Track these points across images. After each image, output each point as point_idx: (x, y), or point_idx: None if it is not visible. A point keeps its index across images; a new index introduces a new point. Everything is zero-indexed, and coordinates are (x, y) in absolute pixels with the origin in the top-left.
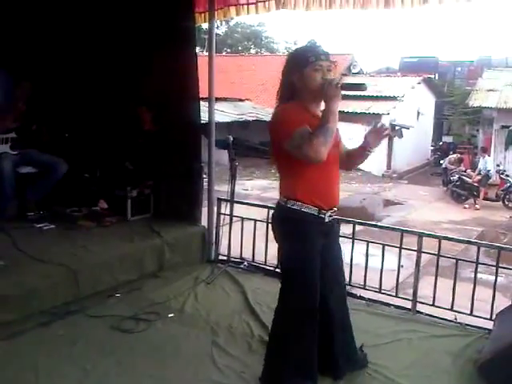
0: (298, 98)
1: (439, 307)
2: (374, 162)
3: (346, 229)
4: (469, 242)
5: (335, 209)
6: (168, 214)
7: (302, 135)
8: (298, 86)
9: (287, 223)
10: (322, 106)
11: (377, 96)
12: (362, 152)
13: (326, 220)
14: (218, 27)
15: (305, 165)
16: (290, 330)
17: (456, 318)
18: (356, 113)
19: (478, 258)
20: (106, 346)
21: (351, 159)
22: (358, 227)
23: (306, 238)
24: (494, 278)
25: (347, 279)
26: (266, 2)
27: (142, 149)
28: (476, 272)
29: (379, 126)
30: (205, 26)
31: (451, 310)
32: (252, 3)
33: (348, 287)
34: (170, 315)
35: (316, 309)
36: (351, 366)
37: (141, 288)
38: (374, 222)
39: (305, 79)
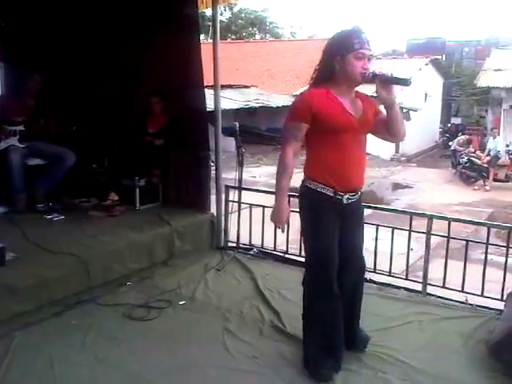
0: (335, 80)
1: (450, 289)
2: (383, 146)
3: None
4: (479, 224)
5: (355, 192)
6: (177, 203)
7: (293, 130)
8: (338, 69)
9: (305, 200)
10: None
11: None
12: (387, 111)
13: (344, 202)
14: (221, 14)
15: (321, 147)
16: (309, 305)
17: (467, 300)
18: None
19: (488, 238)
20: (118, 335)
21: (388, 124)
22: (367, 211)
23: (319, 216)
24: (504, 258)
25: None
26: None
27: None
28: (486, 253)
29: (371, 76)
30: (208, 13)
31: (462, 291)
32: None
33: None
34: (181, 302)
35: (330, 283)
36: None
37: (151, 276)
38: (383, 206)
39: (346, 65)
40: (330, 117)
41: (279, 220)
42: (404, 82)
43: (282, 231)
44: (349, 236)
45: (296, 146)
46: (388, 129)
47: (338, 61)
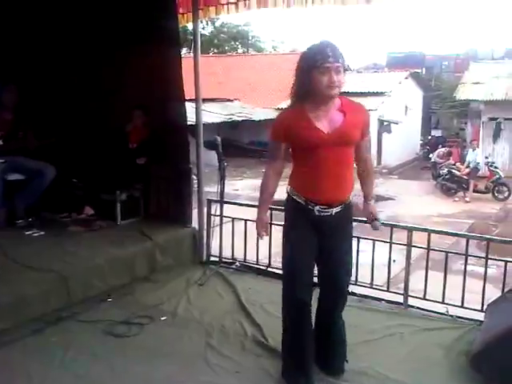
0: (309, 97)
1: (430, 300)
2: None
3: None
4: (457, 235)
5: (328, 206)
6: (158, 217)
7: (272, 150)
8: (308, 86)
9: (285, 206)
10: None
11: (365, 92)
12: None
13: (316, 213)
14: (203, 28)
15: (299, 160)
16: (283, 318)
17: (447, 311)
18: None
19: (467, 250)
20: (98, 352)
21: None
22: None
23: (291, 222)
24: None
25: None
26: (247, 1)
27: (131, 153)
28: (466, 264)
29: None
30: (190, 27)
31: (442, 302)
32: (232, 2)
33: None
34: (162, 318)
35: (295, 297)
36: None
37: (133, 292)
38: (363, 218)
39: (312, 81)
40: (301, 135)
41: (257, 231)
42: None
43: (261, 238)
44: (328, 254)
45: (276, 164)
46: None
47: (306, 79)
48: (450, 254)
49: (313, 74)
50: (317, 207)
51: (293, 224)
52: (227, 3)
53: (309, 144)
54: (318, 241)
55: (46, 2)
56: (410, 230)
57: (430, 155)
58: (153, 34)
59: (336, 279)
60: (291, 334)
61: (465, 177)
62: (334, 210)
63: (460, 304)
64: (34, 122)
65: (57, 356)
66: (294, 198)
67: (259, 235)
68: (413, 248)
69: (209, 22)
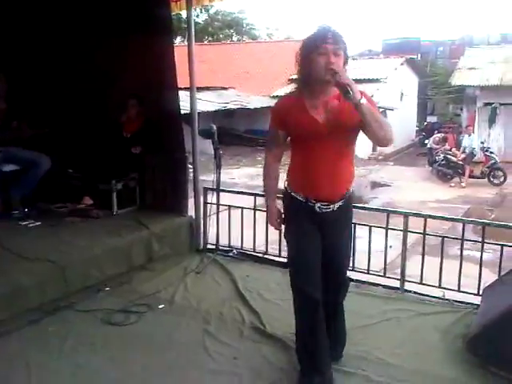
0: (308, 83)
1: (427, 285)
2: (360, 145)
3: None
4: (454, 220)
5: (329, 202)
6: (154, 206)
7: (270, 137)
8: (308, 72)
9: (283, 202)
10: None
11: (360, 79)
12: (356, 110)
13: (317, 210)
14: (197, 16)
15: (295, 152)
16: (294, 310)
17: (444, 295)
18: None
19: (463, 234)
20: (97, 340)
21: (365, 127)
22: None
23: (292, 219)
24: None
25: None
26: None
27: (126, 142)
28: (462, 248)
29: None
30: (184, 15)
31: (439, 287)
32: None
33: None
34: (160, 306)
35: (302, 290)
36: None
37: (130, 281)
38: (360, 205)
39: (311, 65)
40: (296, 124)
41: (270, 223)
42: (346, 96)
43: (277, 229)
44: (331, 245)
45: (276, 151)
46: (366, 133)
47: (306, 62)
48: (446, 239)
49: (312, 57)
50: (318, 204)
51: (295, 223)
52: None
53: (304, 133)
54: (321, 234)
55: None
56: (406, 215)
57: (426, 141)
58: (146, 22)
59: (338, 270)
60: (302, 328)
61: (460, 162)
62: (336, 205)
63: (457, 288)
64: (28, 111)
65: (55, 346)
66: (294, 195)
67: (273, 227)
68: (409, 233)
69: (203, 10)
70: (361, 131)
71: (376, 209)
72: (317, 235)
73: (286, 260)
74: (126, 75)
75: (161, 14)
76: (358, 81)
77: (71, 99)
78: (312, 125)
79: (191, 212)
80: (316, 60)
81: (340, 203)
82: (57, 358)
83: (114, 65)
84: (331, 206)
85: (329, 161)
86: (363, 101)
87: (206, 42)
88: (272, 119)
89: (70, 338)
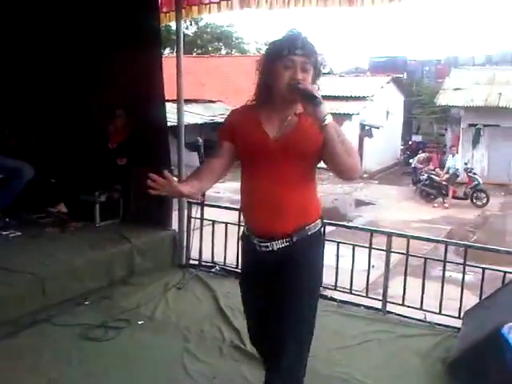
0: (271, 96)
1: (409, 307)
2: None
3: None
4: (436, 241)
5: (271, 239)
6: (138, 219)
7: (215, 148)
8: (269, 84)
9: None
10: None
11: (347, 96)
12: (321, 128)
13: (257, 248)
14: (187, 28)
15: (242, 173)
16: None
17: (425, 318)
18: None
19: (445, 256)
20: (73, 356)
21: (329, 153)
22: (329, 228)
23: (242, 268)
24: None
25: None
26: (229, 1)
27: (111, 153)
28: (444, 270)
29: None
30: (173, 26)
31: (420, 309)
32: (214, 2)
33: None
34: (139, 322)
35: (253, 338)
36: None
37: (110, 295)
38: (344, 223)
39: (273, 77)
40: (244, 136)
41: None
42: (314, 102)
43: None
44: (271, 309)
45: (213, 160)
46: (329, 160)
47: (268, 72)
48: (428, 260)
49: (275, 69)
50: (256, 240)
51: (242, 267)
52: (209, 3)
53: (251, 149)
54: (268, 284)
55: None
56: (390, 235)
57: (411, 160)
58: (134, 33)
59: (278, 348)
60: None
61: (444, 183)
62: (276, 245)
63: (438, 311)
64: (13, 120)
65: (31, 360)
66: (244, 230)
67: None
68: (392, 253)
69: (192, 22)
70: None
71: (360, 228)
72: (263, 288)
73: None
74: (113, 86)
75: (150, 25)
76: (344, 98)
77: (57, 109)
78: (261, 141)
79: (175, 226)
80: (280, 73)
81: (283, 244)
82: (32, 372)
83: (102, 75)
84: (269, 244)
85: (275, 187)
86: (330, 118)
87: (194, 55)
88: (221, 128)
89: (47, 353)
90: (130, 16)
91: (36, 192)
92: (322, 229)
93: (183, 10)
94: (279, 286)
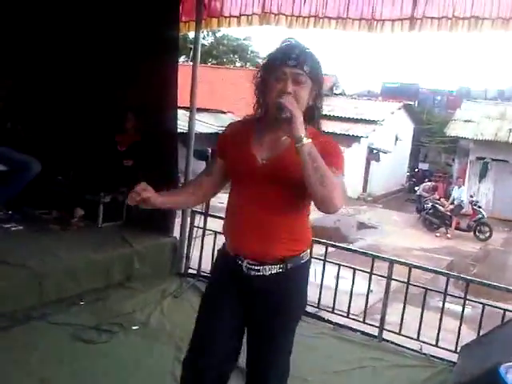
0: (265, 116)
1: (405, 336)
2: (350, 184)
3: (318, 249)
4: (438, 273)
5: (258, 263)
6: (141, 223)
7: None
8: (262, 98)
9: (216, 260)
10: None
11: (357, 118)
12: (298, 153)
13: (245, 271)
14: (204, 38)
15: (230, 191)
16: None
17: (421, 348)
18: (335, 133)
19: (446, 288)
20: (65, 356)
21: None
22: (329, 248)
23: (212, 277)
24: (461, 308)
25: (316, 301)
26: (249, 17)
27: (119, 155)
28: (444, 303)
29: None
30: (191, 35)
31: (417, 339)
32: (235, 16)
33: (315, 310)
34: (134, 328)
35: (198, 350)
36: None
37: (106, 297)
38: (346, 245)
39: (266, 90)
40: (232, 156)
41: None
42: (287, 118)
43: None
44: (250, 344)
45: (203, 176)
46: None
47: (262, 88)
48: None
49: (267, 80)
50: (245, 262)
51: (213, 283)
52: (230, 16)
53: (238, 170)
54: (244, 315)
55: (49, 3)
56: (392, 262)
57: (416, 188)
58: (153, 39)
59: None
60: None
61: (448, 213)
62: (269, 270)
63: (434, 342)
64: (24, 116)
65: (22, 356)
66: (224, 245)
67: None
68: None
69: (210, 33)
70: None
71: (362, 252)
72: (235, 313)
73: None
74: (127, 89)
75: (169, 32)
76: (354, 120)
77: (70, 107)
78: (247, 163)
79: (176, 233)
80: (271, 86)
81: (276, 269)
82: (22, 369)
83: (117, 78)
84: (260, 268)
85: (260, 212)
86: (306, 141)
87: (209, 64)
88: (216, 143)
89: (38, 351)
90: (151, 22)
91: (41, 188)
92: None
93: (203, 21)
94: (263, 313)
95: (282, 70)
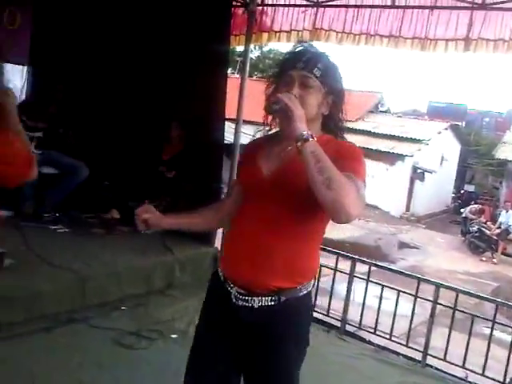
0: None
1: (450, 363)
2: (393, 202)
3: (360, 267)
4: (488, 300)
5: (250, 292)
6: (183, 231)
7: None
8: None
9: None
10: None
11: (402, 137)
12: (300, 154)
13: (233, 299)
14: (251, 51)
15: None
16: None
17: (467, 377)
18: (379, 151)
19: (495, 316)
20: (104, 360)
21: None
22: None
23: (202, 308)
24: (506, 335)
25: (358, 320)
26: (299, 32)
27: (163, 164)
28: (492, 331)
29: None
30: (238, 48)
31: (462, 367)
32: (285, 31)
33: (355, 329)
34: (173, 336)
35: None
36: None
37: (146, 304)
38: (389, 266)
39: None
40: (243, 172)
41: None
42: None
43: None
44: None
45: (225, 200)
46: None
47: (272, 95)
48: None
49: (276, 87)
50: (234, 290)
51: (204, 311)
52: (280, 31)
53: (244, 186)
54: (239, 359)
55: (108, 9)
56: (438, 286)
57: (462, 210)
58: (204, 52)
59: None
60: None
61: (495, 237)
62: (258, 302)
63: (481, 371)
64: (76, 121)
65: (62, 358)
66: (218, 268)
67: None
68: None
69: (257, 47)
70: None
71: (407, 274)
72: (227, 357)
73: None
74: (175, 99)
75: (220, 46)
76: (399, 138)
77: (119, 115)
78: (253, 177)
79: (218, 243)
80: (279, 91)
81: (267, 301)
82: (62, 370)
83: (166, 88)
84: (249, 299)
85: (261, 232)
86: (309, 139)
87: (254, 78)
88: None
89: (79, 353)
90: (203, 35)
91: (89, 192)
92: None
93: (253, 35)
94: (254, 354)
95: (289, 74)
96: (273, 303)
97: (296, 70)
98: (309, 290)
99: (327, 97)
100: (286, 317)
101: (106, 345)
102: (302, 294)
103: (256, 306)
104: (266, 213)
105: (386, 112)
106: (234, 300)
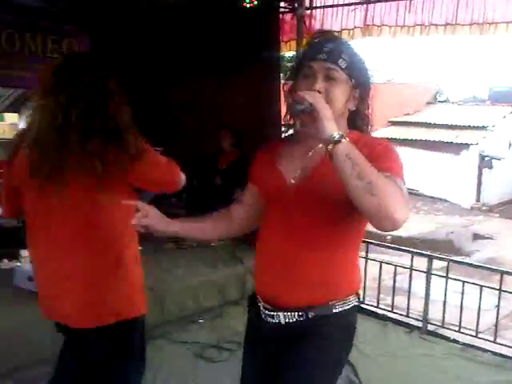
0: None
1: None
2: (462, 193)
3: (435, 264)
4: None
5: (277, 308)
6: (250, 241)
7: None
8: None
9: None
10: None
11: (465, 125)
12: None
13: (262, 316)
14: None
15: (261, 221)
16: None
17: None
18: (442, 142)
19: None
20: (189, 375)
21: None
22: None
23: (244, 338)
24: None
25: (437, 318)
26: (351, 30)
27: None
28: None
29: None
30: (288, 54)
31: None
32: (335, 31)
33: (435, 327)
34: None
35: None
36: None
37: (223, 315)
38: (465, 259)
39: (294, 92)
40: (261, 175)
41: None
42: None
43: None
44: None
45: (236, 206)
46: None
47: (291, 91)
48: None
49: (296, 82)
50: (261, 305)
51: (244, 337)
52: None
53: (266, 195)
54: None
55: (161, 31)
56: None
57: None
58: (255, 59)
59: None
60: None
61: None
62: (284, 318)
63: None
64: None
65: (149, 374)
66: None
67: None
68: None
69: None
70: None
71: (488, 268)
72: (261, 366)
73: (382, 312)
74: (229, 109)
75: (271, 52)
76: (462, 127)
77: (173, 127)
78: (275, 186)
79: None
80: (299, 85)
81: (295, 317)
82: None
83: (219, 99)
84: (275, 314)
85: (286, 245)
86: (341, 140)
87: None
88: (250, 170)
89: (164, 369)
90: (254, 42)
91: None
92: (356, 308)
93: (304, 39)
94: (284, 374)
95: (308, 66)
96: (300, 319)
97: (318, 62)
98: (345, 308)
99: (354, 91)
100: (316, 331)
101: (188, 359)
102: (336, 310)
103: (282, 322)
104: (294, 223)
105: (445, 102)
106: (262, 315)
